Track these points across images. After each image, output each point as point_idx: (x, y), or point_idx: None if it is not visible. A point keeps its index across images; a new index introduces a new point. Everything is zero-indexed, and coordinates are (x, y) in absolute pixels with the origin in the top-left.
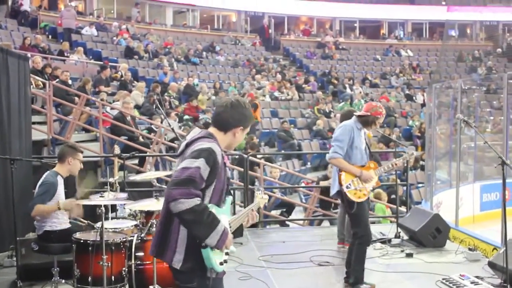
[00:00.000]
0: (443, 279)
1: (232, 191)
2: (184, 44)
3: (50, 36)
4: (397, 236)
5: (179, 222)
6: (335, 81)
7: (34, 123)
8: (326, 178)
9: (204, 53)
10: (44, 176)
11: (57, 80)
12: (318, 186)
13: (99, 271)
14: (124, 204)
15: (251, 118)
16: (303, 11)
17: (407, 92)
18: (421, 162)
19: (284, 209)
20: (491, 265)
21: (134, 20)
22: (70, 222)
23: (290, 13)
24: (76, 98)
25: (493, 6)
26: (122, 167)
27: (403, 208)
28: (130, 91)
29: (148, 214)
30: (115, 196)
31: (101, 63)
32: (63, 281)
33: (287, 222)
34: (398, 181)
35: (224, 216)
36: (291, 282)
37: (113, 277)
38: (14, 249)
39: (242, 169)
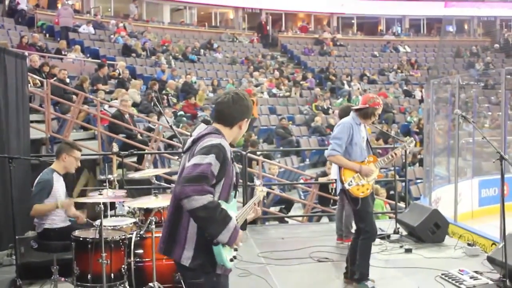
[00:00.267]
0: (442, 274)
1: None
2: (182, 42)
3: (47, 35)
4: (396, 231)
5: (187, 219)
6: (333, 78)
7: (32, 121)
8: (324, 174)
9: (202, 50)
10: (40, 174)
11: (55, 78)
12: (317, 182)
13: (99, 269)
14: (123, 201)
15: (252, 106)
16: (301, 8)
17: (405, 88)
18: (418, 157)
19: (283, 206)
20: (490, 260)
21: (132, 17)
22: (70, 220)
23: (288, 10)
24: (74, 97)
25: (491, 2)
26: (120, 165)
27: (402, 204)
28: (128, 89)
29: (147, 211)
30: (114, 193)
31: (99, 61)
32: (63, 279)
33: (286, 219)
34: (397, 177)
35: (232, 212)
36: (291, 278)
37: (112, 274)
38: (14, 247)
39: (240, 166)
